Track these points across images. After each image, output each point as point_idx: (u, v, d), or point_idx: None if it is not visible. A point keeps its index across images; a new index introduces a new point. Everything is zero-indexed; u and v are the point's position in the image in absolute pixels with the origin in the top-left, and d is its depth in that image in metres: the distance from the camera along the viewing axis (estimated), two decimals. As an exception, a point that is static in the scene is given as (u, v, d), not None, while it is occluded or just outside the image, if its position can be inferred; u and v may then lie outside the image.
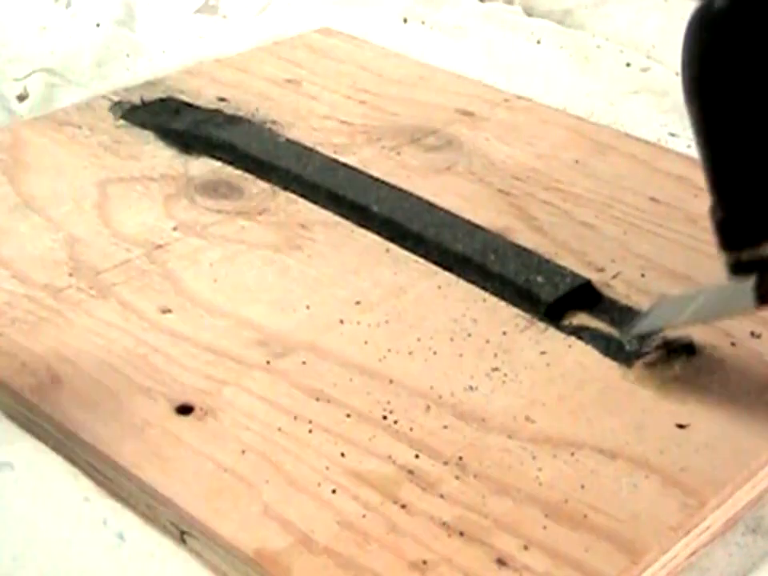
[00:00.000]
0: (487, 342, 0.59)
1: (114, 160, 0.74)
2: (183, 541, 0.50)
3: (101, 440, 0.53)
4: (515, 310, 0.62)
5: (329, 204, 0.70)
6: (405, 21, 1.00)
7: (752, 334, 0.60)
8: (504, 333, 0.60)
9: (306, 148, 0.75)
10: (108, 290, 0.62)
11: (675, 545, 0.49)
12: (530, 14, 1.01)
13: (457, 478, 0.51)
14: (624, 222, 0.69)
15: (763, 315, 0.60)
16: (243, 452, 0.52)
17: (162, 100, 0.81)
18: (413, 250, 0.66)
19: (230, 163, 0.74)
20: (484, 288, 0.63)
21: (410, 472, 0.51)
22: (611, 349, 0.59)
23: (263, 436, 0.53)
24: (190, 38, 0.95)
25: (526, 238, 0.67)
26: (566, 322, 0.61)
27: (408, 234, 0.67)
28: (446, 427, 0.54)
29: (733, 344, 0.59)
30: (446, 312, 0.61)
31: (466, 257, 0.65)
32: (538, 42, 0.96)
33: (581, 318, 0.61)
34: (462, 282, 0.64)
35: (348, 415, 0.54)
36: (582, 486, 0.51)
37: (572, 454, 0.52)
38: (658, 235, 0.68)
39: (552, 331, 0.60)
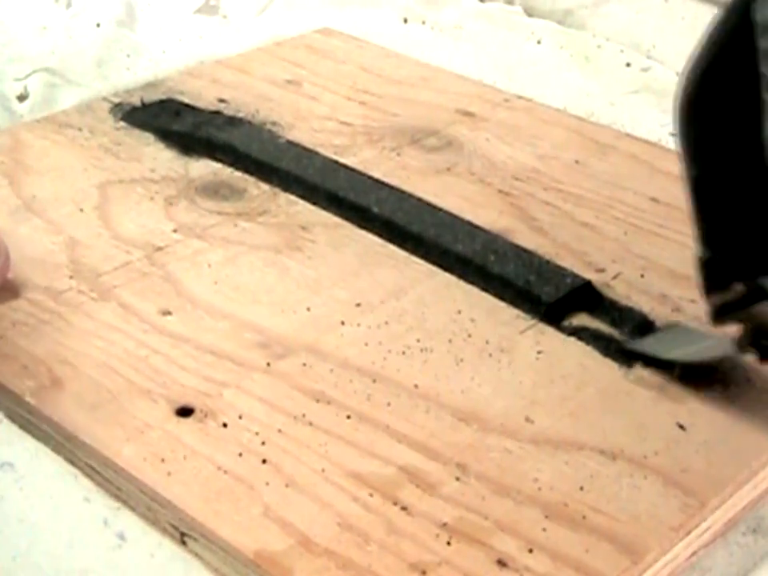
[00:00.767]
0: (487, 342, 0.59)
1: (114, 162, 0.74)
2: (183, 542, 0.50)
3: (101, 442, 0.53)
4: (515, 311, 0.62)
5: (329, 205, 0.70)
6: (405, 21, 1.00)
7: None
8: (504, 334, 0.60)
9: (306, 149, 0.75)
10: (108, 292, 0.62)
11: (676, 545, 0.49)
12: (530, 14, 1.01)
13: (457, 479, 0.51)
14: (624, 222, 0.69)
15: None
16: (243, 454, 0.52)
17: (162, 101, 0.81)
18: (413, 251, 0.66)
19: (231, 165, 0.74)
20: (484, 289, 0.63)
21: (410, 473, 0.51)
22: (611, 349, 0.59)
23: (263, 438, 0.53)
24: (190, 38, 0.95)
25: (526, 239, 0.67)
26: (566, 323, 0.61)
27: (408, 235, 0.67)
28: (446, 428, 0.54)
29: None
30: (447, 313, 0.61)
31: (467, 258, 0.65)
32: (539, 42, 0.96)
33: (581, 319, 0.61)
34: (463, 283, 0.64)
35: (348, 416, 0.54)
36: (582, 487, 0.51)
37: (572, 454, 0.52)
38: (658, 235, 0.68)
39: (552, 332, 0.60)
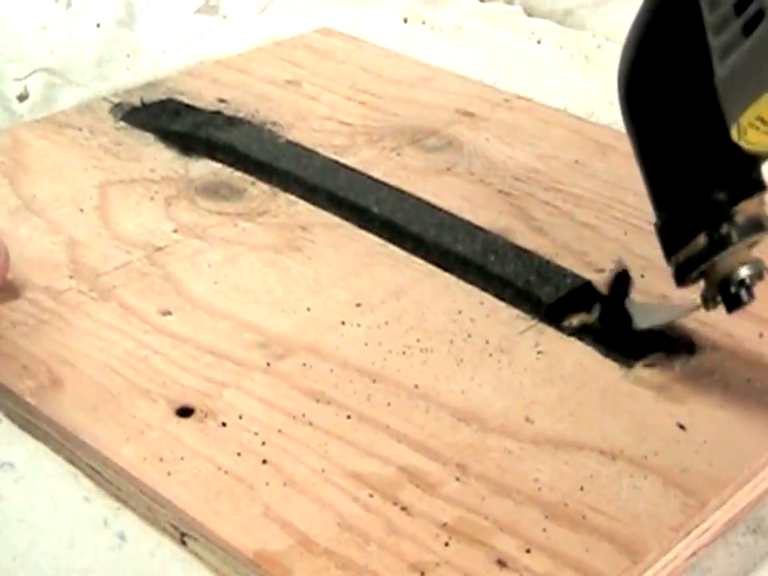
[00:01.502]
0: (487, 342, 0.59)
1: (114, 162, 0.74)
2: (183, 543, 0.50)
3: (101, 442, 0.53)
4: (515, 311, 0.62)
5: (329, 205, 0.70)
6: (405, 21, 1.00)
7: (753, 333, 0.60)
8: (504, 334, 0.60)
9: (306, 149, 0.75)
10: (108, 292, 0.62)
11: (676, 545, 0.49)
12: (530, 14, 1.01)
13: (457, 479, 0.51)
14: (624, 222, 0.69)
15: (764, 315, 0.61)
16: (243, 454, 0.52)
17: (162, 102, 0.81)
18: (413, 251, 0.66)
19: (231, 165, 0.74)
20: (484, 289, 0.63)
21: (410, 473, 0.51)
22: (611, 349, 0.59)
23: (263, 438, 0.53)
24: (190, 38, 0.95)
25: (526, 239, 0.67)
26: (566, 323, 0.61)
27: (408, 235, 0.67)
28: (446, 428, 0.54)
29: (733, 344, 0.59)
30: (446, 313, 0.61)
31: (467, 258, 0.65)
32: (539, 42, 0.96)
33: (581, 319, 0.61)
34: (462, 283, 0.64)
35: (348, 417, 0.54)
36: (582, 487, 0.51)
37: (572, 454, 0.52)
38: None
39: (552, 332, 0.60)
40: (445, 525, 0.49)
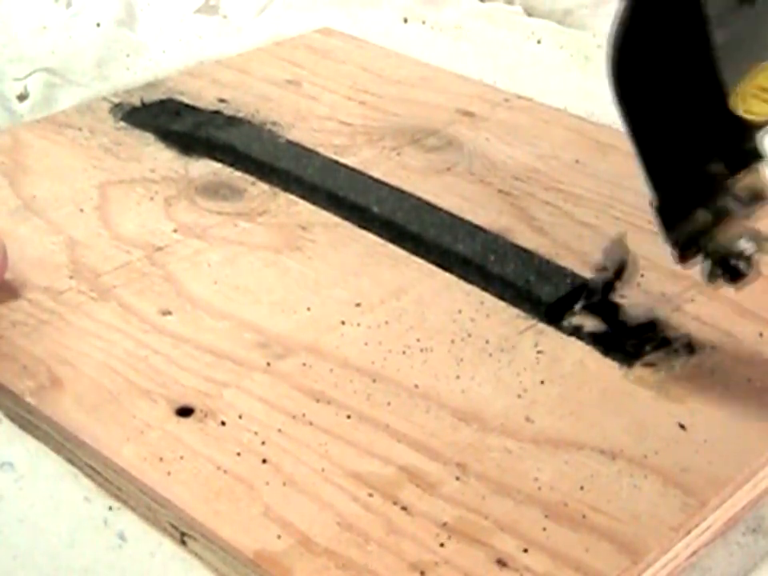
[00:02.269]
0: (487, 342, 0.59)
1: (114, 162, 0.74)
2: (183, 542, 0.50)
3: (101, 442, 0.53)
4: (515, 311, 0.62)
5: (329, 205, 0.70)
6: (405, 21, 1.00)
7: (753, 333, 0.60)
8: (504, 334, 0.60)
9: (306, 149, 0.75)
10: (108, 292, 0.62)
11: (676, 545, 0.49)
12: (530, 14, 1.01)
13: (457, 478, 0.51)
14: (624, 222, 0.69)
15: (764, 315, 0.61)
16: (243, 454, 0.52)
17: (162, 101, 0.81)
18: (413, 250, 0.66)
19: (231, 165, 0.74)
20: (484, 289, 0.63)
21: (410, 473, 0.51)
22: (611, 349, 0.59)
23: (263, 437, 0.53)
24: (190, 38, 0.95)
25: (526, 239, 0.67)
26: (566, 323, 0.61)
27: (408, 235, 0.67)
28: (446, 428, 0.54)
29: (733, 344, 0.59)
30: (447, 313, 0.61)
31: (467, 257, 0.65)
32: (539, 42, 0.96)
33: (581, 319, 0.61)
34: (463, 283, 0.64)
35: (348, 416, 0.54)
36: (582, 487, 0.51)
37: (572, 454, 0.52)
38: (658, 235, 0.68)
39: (552, 331, 0.60)
40: (445, 524, 0.49)
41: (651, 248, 0.67)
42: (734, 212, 0.52)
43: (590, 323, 0.61)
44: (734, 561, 0.51)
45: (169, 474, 0.51)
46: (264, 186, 0.72)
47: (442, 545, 0.48)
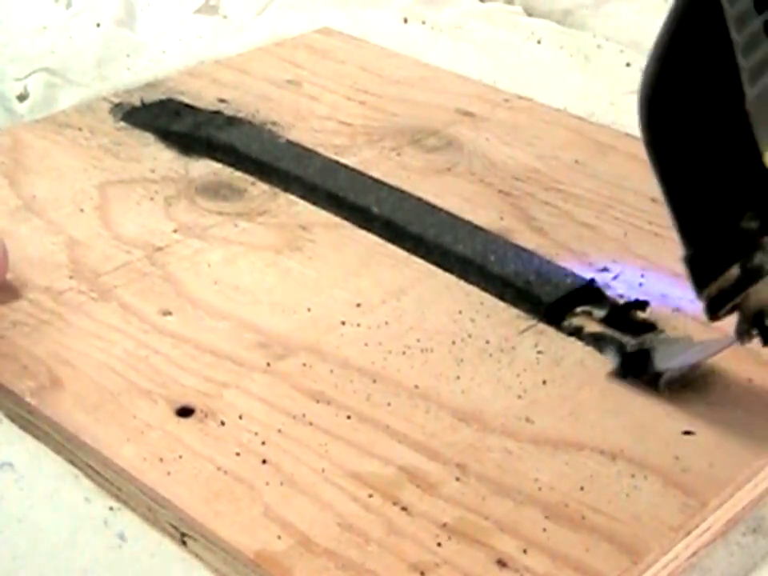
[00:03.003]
0: (487, 342, 0.59)
1: (114, 162, 0.74)
2: (183, 543, 0.50)
3: (101, 442, 0.53)
4: (515, 311, 0.62)
5: (329, 205, 0.70)
6: (405, 21, 1.00)
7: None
8: (504, 334, 0.60)
9: (306, 149, 0.75)
10: (108, 292, 0.62)
11: (676, 545, 0.49)
12: (530, 14, 1.01)
13: (457, 479, 0.51)
14: (624, 222, 0.69)
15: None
16: (243, 454, 0.52)
17: (162, 102, 0.81)
18: (413, 251, 0.66)
19: (231, 165, 0.74)
20: (484, 289, 0.63)
21: (410, 473, 0.51)
22: (611, 349, 0.59)
23: (263, 438, 0.53)
24: (190, 38, 0.95)
25: (526, 239, 0.67)
26: (566, 323, 0.61)
27: (408, 235, 0.67)
28: (446, 428, 0.54)
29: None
30: (447, 313, 0.61)
31: (467, 258, 0.65)
32: (539, 42, 0.96)
33: (581, 319, 0.61)
34: (463, 283, 0.64)
35: (348, 417, 0.54)
36: (582, 487, 0.51)
37: (572, 454, 0.52)
38: (658, 235, 0.68)
39: (552, 332, 0.60)
40: (445, 525, 0.49)
41: (651, 248, 0.67)
42: None
43: (591, 324, 0.61)
44: (735, 561, 0.51)
45: (169, 474, 0.51)
46: (264, 186, 0.72)
47: (441, 545, 0.48)
